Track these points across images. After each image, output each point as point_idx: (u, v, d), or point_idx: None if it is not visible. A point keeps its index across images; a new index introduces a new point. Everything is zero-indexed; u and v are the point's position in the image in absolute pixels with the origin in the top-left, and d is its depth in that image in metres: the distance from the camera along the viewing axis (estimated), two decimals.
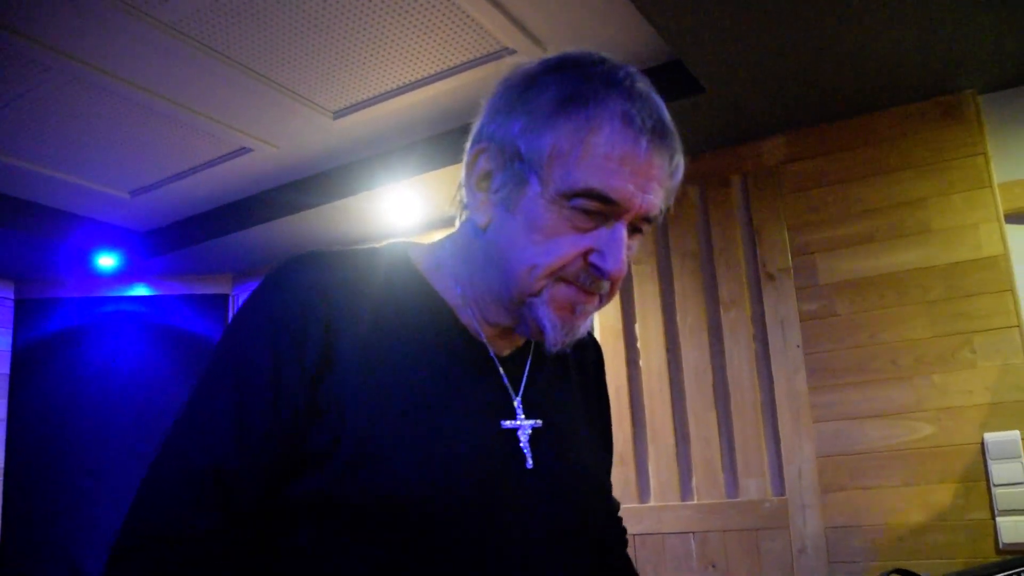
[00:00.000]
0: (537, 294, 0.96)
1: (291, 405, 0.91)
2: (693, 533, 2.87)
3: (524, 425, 1.02)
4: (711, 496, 2.89)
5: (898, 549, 2.55)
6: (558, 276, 0.96)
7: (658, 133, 0.96)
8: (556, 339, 0.98)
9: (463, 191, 1.05)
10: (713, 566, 2.82)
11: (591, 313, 1.02)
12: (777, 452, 2.82)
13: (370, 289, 0.99)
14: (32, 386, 4.04)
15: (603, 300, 1.02)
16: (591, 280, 0.97)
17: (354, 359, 0.94)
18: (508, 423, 1.01)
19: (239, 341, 0.96)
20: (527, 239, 0.96)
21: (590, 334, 1.19)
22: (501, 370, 1.05)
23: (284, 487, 0.92)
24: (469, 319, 1.05)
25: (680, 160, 1.01)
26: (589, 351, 1.24)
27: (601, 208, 0.95)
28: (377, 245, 1.09)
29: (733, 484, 2.88)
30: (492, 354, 1.05)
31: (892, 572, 2.18)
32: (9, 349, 4.06)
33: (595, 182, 0.93)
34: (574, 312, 0.98)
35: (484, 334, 1.05)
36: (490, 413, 1.01)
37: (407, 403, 0.94)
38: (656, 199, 0.99)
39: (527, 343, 1.11)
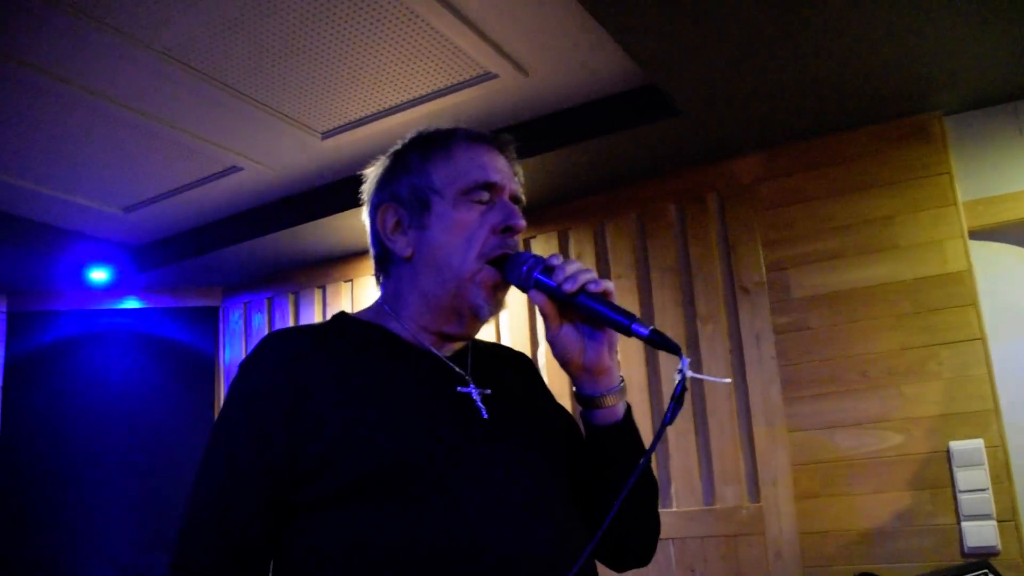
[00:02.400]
0: (472, 278, 1.23)
1: (275, 443, 1.13)
2: (672, 539, 2.95)
3: (475, 389, 1.25)
4: (689, 503, 2.98)
5: (869, 553, 2.64)
6: (483, 255, 1.23)
7: (494, 142, 1.33)
8: (488, 312, 1.25)
9: (380, 253, 1.34)
10: (692, 571, 2.91)
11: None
12: (753, 460, 2.91)
13: (327, 341, 1.24)
14: (24, 399, 4.09)
15: None
16: (505, 243, 1.25)
17: (321, 390, 1.15)
18: (462, 388, 1.24)
19: (228, 410, 1.21)
20: (449, 238, 1.24)
21: (518, 352, 1.51)
22: (449, 363, 1.28)
23: (293, 498, 1.14)
24: (413, 337, 1.28)
25: (514, 159, 1.35)
26: (521, 359, 1.49)
27: (488, 194, 1.26)
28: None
29: (710, 492, 2.97)
30: (438, 353, 1.28)
31: (860, 575, 2.28)
32: (1, 362, 4.12)
33: (477, 176, 1.26)
34: (496, 291, 1.25)
35: (427, 343, 1.28)
36: (446, 386, 1.24)
37: (371, 401, 1.16)
38: (516, 185, 1.32)
39: (464, 348, 1.33)
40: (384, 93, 2.71)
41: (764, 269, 2.99)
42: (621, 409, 1.25)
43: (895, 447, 2.68)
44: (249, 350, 1.24)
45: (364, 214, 1.38)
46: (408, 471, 1.11)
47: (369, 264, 4.39)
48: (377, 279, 1.37)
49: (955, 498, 2.56)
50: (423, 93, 2.72)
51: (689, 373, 1.12)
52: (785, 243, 2.96)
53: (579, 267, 1.19)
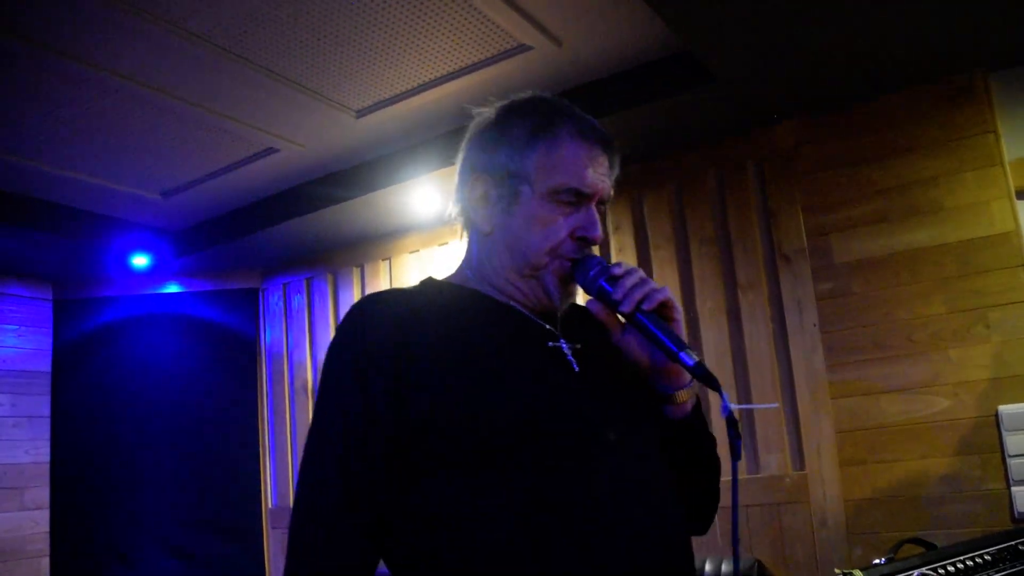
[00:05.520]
0: (545, 267, 1.28)
1: (383, 403, 1.17)
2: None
3: (565, 344, 1.29)
4: None
5: (916, 520, 2.61)
6: (556, 253, 1.27)
7: (601, 140, 1.32)
8: (559, 301, 1.30)
9: (460, 211, 1.37)
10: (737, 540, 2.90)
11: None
12: (796, 428, 2.90)
13: (420, 303, 1.28)
14: (72, 383, 4.18)
15: None
16: (580, 249, 1.28)
17: (423, 349, 1.20)
18: (552, 343, 1.28)
19: (333, 373, 1.24)
20: (529, 230, 1.27)
21: None
22: (538, 320, 1.31)
23: (406, 456, 1.16)
24: (502, 296, 1.32)
25: (616, 157, 1.35)
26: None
27: (576, 198, 1.28)
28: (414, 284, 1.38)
29: (754, 460, 2.96)
30: (527, 313, 1.31)
31: (908, 541, 2.26)
32: (49, 348, 4.20)
33: (572, 181, 1.27)
34: (566, 284, 1.30)
35: (516, 302, 1.32)
36: (538, 341, 1.28)
37: (472, 359, 1.21)
38: (608, 185, 1.32)
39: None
40: (418, 69, 2.70)
41: (805, 236, 2.95)
42: (691, 404, 1.30)
43: (942, 412, 2.64)
44: (348, 312, 1.28)
45: (457, 162, 1.38)
46: (516, 436, 1.14)
47: (405, 243, 4.37)
48: (460, 233, 1.40)
49: (1005, 463, 2.52)
50: (457, 68, 2.71)
51: (733, 407, 1.16)
52: (826, 209, 2.92)
53: (636, 280, 1.23)
